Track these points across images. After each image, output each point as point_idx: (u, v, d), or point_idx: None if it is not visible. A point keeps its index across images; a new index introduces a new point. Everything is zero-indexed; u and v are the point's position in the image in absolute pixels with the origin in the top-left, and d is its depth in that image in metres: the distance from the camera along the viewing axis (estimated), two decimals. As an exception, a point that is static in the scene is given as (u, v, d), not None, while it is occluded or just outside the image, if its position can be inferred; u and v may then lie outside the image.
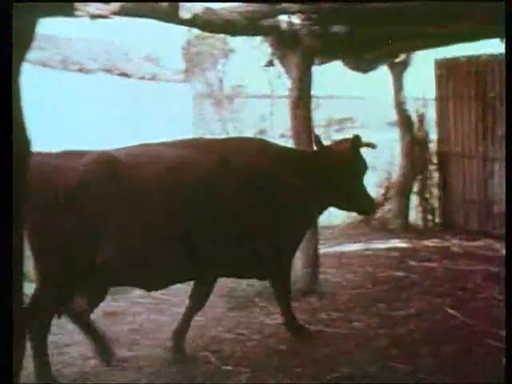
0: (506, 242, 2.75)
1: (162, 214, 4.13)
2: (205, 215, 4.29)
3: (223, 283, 6.43)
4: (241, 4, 5.34)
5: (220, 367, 4.37)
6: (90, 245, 3.94)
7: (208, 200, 4.30)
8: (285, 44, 5.85)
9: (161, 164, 4.22)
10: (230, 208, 4.38)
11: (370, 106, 14.57)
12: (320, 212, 5.11)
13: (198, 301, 4.64)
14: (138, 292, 5.67)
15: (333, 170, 4.81)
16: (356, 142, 4.89)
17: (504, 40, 2.83)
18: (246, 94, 25.06)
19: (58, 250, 3.93)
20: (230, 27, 5.47)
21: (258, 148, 4.89)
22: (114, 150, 4.25)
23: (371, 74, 9.14)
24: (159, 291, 5.10)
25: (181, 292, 6.07)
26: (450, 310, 5.31)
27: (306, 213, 4.93)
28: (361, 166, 4.96)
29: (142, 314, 5.50)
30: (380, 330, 4.94)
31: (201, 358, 4.52)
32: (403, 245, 8.00)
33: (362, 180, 4.98)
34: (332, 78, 9.92)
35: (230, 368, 4.35)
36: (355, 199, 4.94)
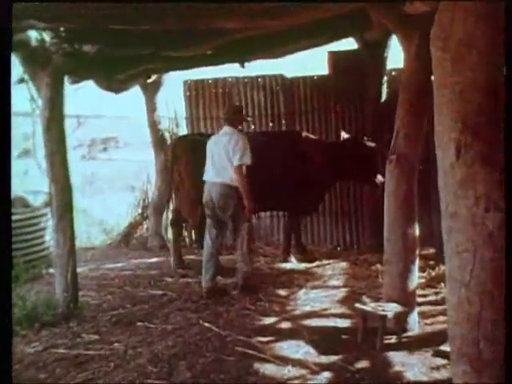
0: (505, 241, 2.84)
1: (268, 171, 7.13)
2: (279, 174, 7.37)
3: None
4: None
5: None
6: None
7: (279, 164, 7.43)
8: (35, 61, 5.62)
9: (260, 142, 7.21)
10: (287, 169, 7.44)
11: (133, 125, 14.61)
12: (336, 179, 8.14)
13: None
14: None
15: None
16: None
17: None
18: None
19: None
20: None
21: (297, 136, 7.97)
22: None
23: (133, 93, 9.17)
24: None
25: None
26: (206, 324, 5.49)
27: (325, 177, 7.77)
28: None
29: None
30: (139, 349, 4.97)
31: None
32: (161, 263, 8.10)
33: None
34: (96, 97, 9.72)
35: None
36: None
